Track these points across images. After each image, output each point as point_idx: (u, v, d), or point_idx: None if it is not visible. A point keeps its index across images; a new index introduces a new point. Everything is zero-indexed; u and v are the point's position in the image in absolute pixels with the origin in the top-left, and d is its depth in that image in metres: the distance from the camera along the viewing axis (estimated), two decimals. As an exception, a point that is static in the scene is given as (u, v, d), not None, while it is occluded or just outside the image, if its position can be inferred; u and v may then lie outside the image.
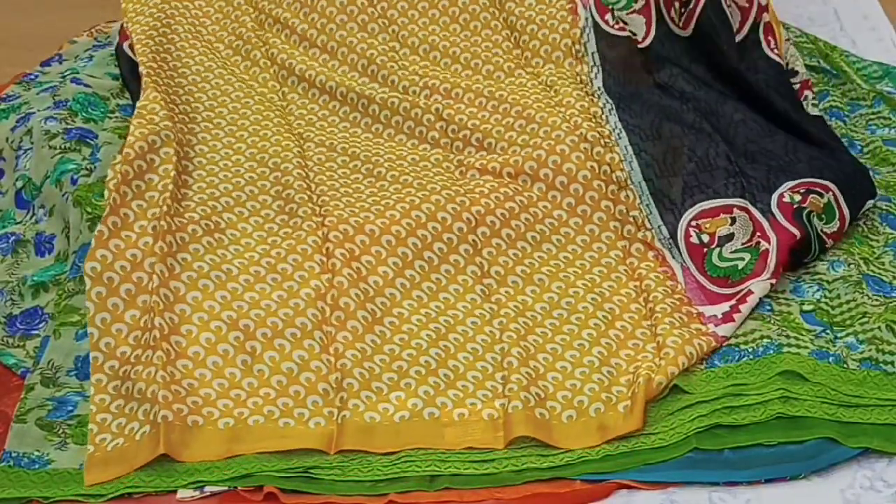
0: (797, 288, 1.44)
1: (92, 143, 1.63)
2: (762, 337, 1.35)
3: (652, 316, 1.41)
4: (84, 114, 1.69)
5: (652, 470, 1.26)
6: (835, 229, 1.49)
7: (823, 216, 1.48)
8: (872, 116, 1.77)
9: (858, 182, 1.55)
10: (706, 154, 1.57)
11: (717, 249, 1.47)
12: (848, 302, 1.41)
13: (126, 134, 1.63)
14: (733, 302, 1.41)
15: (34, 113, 1.68)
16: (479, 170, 1.60)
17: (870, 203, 1.55)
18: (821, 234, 1.47)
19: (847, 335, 1.37)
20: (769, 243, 1.44)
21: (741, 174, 1.54)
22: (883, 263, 1.48)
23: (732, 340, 1.37)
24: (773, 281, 1.42)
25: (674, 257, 1.50)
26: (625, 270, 1.50)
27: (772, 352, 1.33)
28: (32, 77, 1.83)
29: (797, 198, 1.49)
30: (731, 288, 1.43)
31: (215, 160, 1.61)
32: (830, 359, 1.32)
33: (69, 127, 1.65)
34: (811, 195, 1.49)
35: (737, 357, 1.34)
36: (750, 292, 1.40)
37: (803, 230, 1.45)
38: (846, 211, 1.50)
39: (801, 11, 2.07)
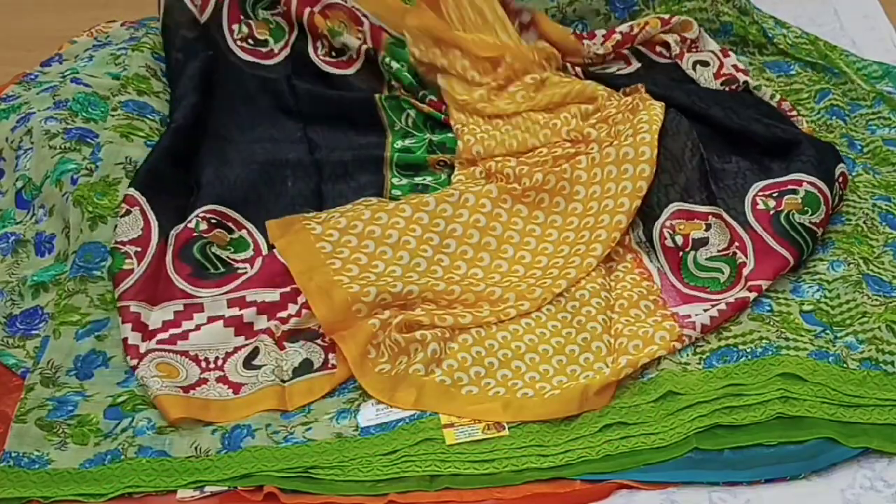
0: (797, 288, 1.44)
1: (92, 142, 1.63)
2: (761, 338, 1.35)
3: (624, 316, 1.42)
4: (84, 114, 1.68)
5: (652, 470, 1.26)
6: (822, 216, 1.48)
7: (808, 209, 1.47)
8: (872, 116, 1.77)
9: (824, 157, 1.54)
10: (681, 153, 1.56)
11: (693, 254, 1.47)
12: (848, 302, 1.41)
13: (128, 132, 1.63)
14: (707, 306, 1.42)
15: (34, 113, 1.67)
16: None
17: (841, 167, 1.53)
18: (809, 227, 1.46)
19: (847, 335, 1.37)
20: (745, 255, 1.45)
21: (712, 174, 1.54)
22: (883, 263, 1.48)
23: (731, 341, 1.37)
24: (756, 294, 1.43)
25: (651, 260, 1.51)
26: (603, 273, 1.50)
27: (770, 353, 1.33)
28: (32, 77, 1.82)
29: (771, 203, 1.48)
30: (710, 295, 1.44)
31: None
32: (830, 359, 1.32)
33: (69, 127, 1.65)
34: (785, 196, 1.48)
35: (735, 357, 1.34)
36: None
37: (795, 251, 1.45)
38: (826, 190, 1.49)
39: (801, 11, 2.07)
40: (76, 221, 1.53)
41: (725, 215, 1.48)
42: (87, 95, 1.71)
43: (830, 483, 1.23)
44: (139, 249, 1.48)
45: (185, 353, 1.41)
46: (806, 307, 1.41)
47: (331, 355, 1.42)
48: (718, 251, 1.47)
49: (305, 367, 1.41)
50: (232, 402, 1.37)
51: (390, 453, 1.28)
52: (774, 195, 1.49)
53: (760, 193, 1.50)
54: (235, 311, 1.46)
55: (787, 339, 1.35)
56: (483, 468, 1.27)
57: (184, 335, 1.43)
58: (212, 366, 1.41)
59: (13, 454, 1.30)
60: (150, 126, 1.67)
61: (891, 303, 1.39)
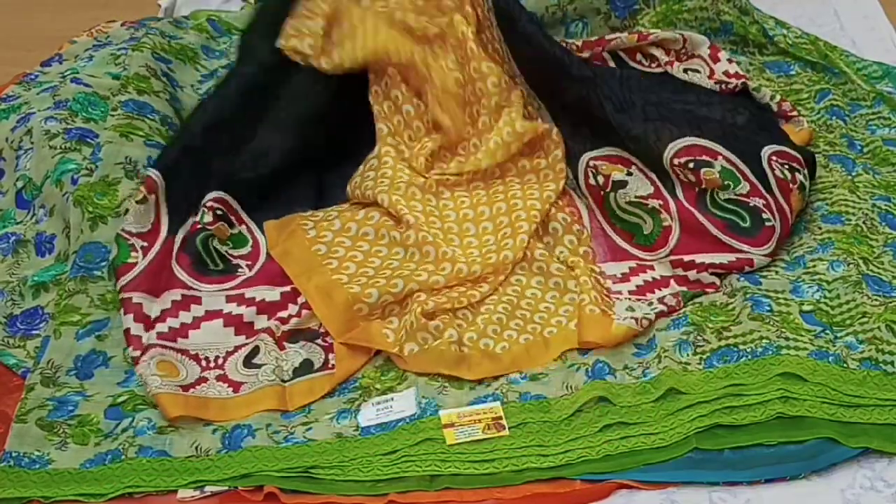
0: (797, 288, 1.44)
1: (92, 142, 1.63)
2: (761, 338, 1.35)
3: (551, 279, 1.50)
4: (84, 114, 1.68)
5: (652, 470, 1.26)
6: (746, 189, 1.49)
7: (728, 183, 1.49)
8: (872, 116, 1.77)
9: (751, 134, 1.57)
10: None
11: (612, 194, 1.54)
12: (848, 302, 1.41)
13: (128, 132, 1.63)
14: (633, 264, 1.51)
15: (34, 113, 1.68)
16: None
17: (772, 148, 1.54)
18: (736, 199, 1.49)
19: (847, 335, 1.37)
20: (671, 218, 1.50)
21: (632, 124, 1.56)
22: (882, 263, 1.48)
23: (731, 340, 1.37)
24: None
25: (579, 197, 1.58)
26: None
27: (770, 353, 1.33)
28: (32, 77, 1.83)
29: (691, 176, 1.50)
30: (635, 248, 1.53)
31: None
32: (830, 359, 1.32)
33: (69, 127, 1.65)
34: (702, 169, 1.49)
35: (735, 357, 1.34)
36: (652, 267, 1.50)
37: (722, 224, 1.49)
38: (743, 167, 1.51)
39: (801, 11, 2.07)
40: (76, 221, 1.53)
41: (650, 173, 1.54)
42: (87, 95, 1.71)
43: (830, 483, 1.24)
44: (146, 244, 1.49)
45: (185, 352, 1.41)
46: (806, 307, 1.41)
47: (331, 356, 1.42)
48: (636, 197, 1.52)
49: (306, 367, 1.41)
50: (231, 400, 1.37)
51: (390, 453, 1.29)
52: (691, 166, 1.50)
53: (678, 161, 1.51)
54: (234, 307, 1.46)
55: (787, 338, 1.35)
56: (483, 468, 1.27)
57: (184, 332, 1.43)
58: (212, 364, 1.41)
59: (14, 454, 1.30)
60: (150, 126, 1.67)
61: (891, 303, 1.39)
